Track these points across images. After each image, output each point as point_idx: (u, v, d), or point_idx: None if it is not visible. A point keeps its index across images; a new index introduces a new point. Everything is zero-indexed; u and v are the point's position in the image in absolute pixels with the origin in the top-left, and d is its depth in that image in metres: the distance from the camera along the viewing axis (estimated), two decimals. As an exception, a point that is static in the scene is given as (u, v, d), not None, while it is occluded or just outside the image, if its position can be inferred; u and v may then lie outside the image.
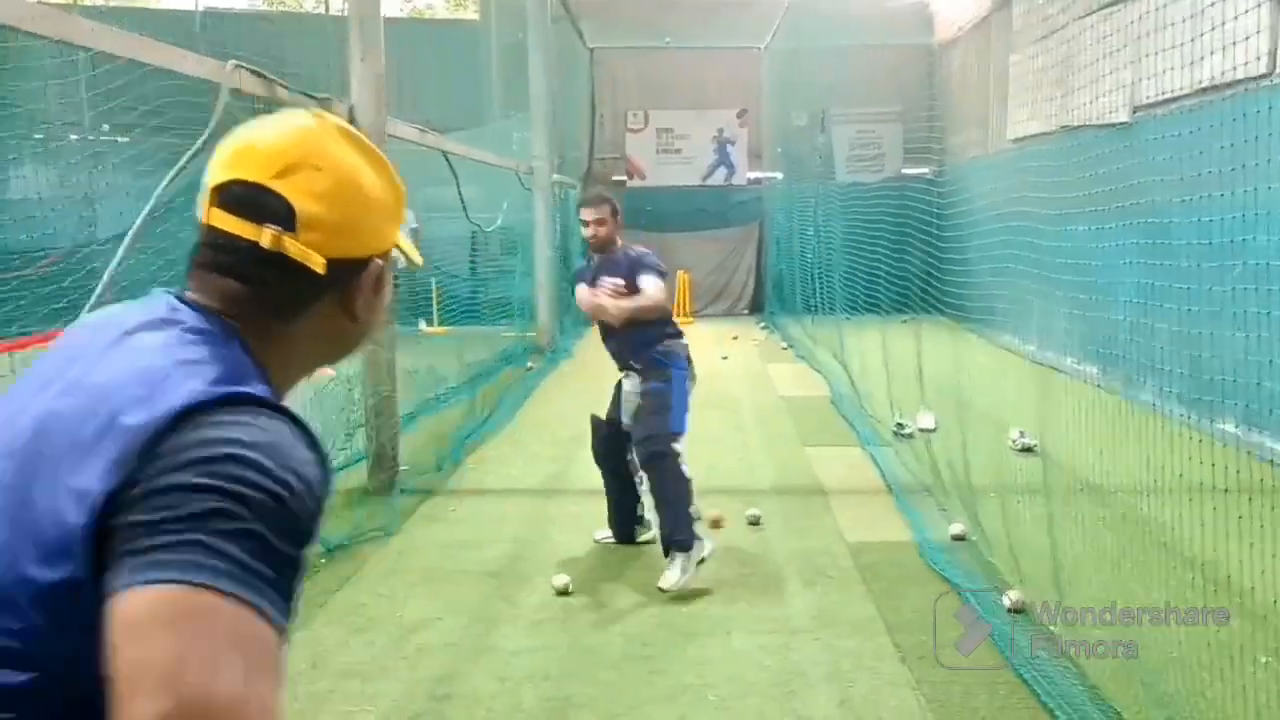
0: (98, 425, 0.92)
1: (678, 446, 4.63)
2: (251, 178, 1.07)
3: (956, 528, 4.90)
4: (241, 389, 0.97)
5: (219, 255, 1.09)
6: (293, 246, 1.07)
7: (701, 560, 4.53)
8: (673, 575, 4.47)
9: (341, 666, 3.75)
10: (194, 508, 0.86)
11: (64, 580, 0.88)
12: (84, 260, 5.40)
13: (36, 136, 8.46)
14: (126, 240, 3.47)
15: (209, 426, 0.91)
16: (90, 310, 3.26)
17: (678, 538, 4.50)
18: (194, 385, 0.95)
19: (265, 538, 0.88)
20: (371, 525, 5.34)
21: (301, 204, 1.07)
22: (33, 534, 0.90)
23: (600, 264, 4.90)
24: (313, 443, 1.00)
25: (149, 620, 0.82)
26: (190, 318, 1.06)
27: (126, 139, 7.47)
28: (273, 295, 1.09)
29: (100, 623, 0.84)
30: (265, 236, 1.06)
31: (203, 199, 1.10)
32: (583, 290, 4.88)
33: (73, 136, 8.22)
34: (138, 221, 3.53)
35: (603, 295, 4.72)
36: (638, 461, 4.71)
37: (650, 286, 4.70)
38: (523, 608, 4.37)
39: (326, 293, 1.12)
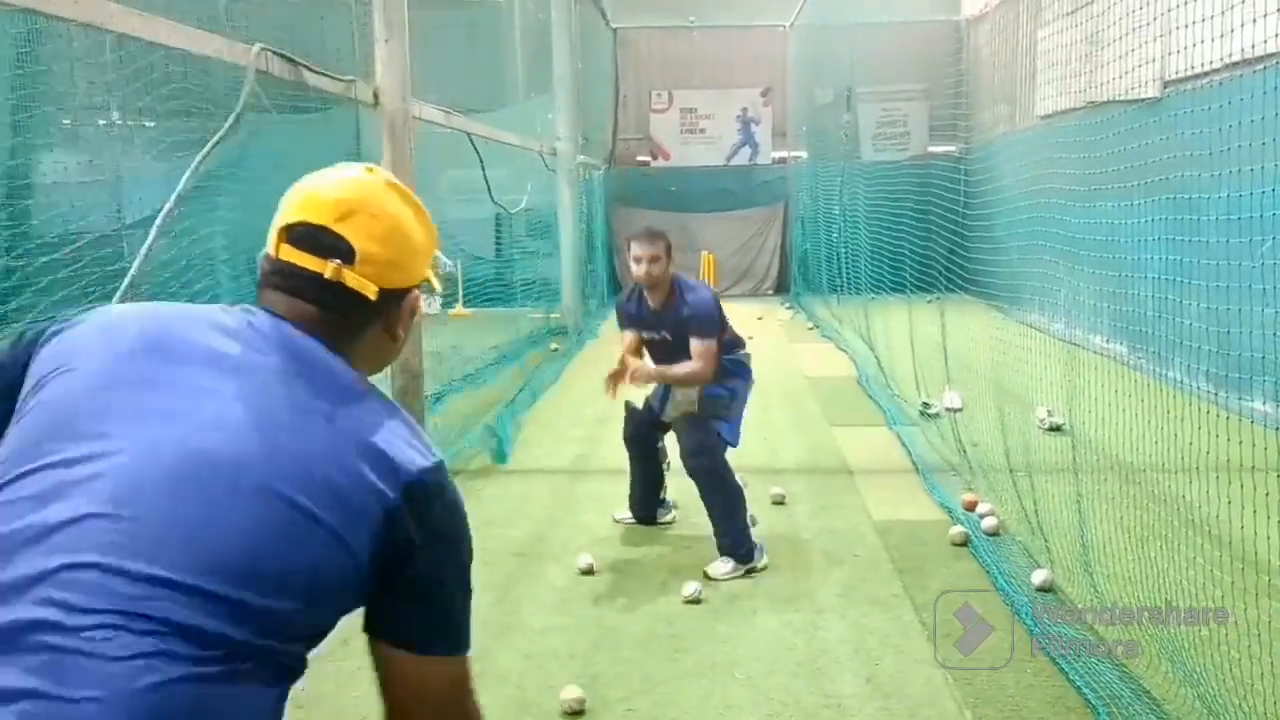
0: (353, 477, 1.19)
1: (728, 458, 4.58)
2: (317, 220, 1.30)
3: (989, 522, 4.85)
4: (436, 458, 1.28)
5: (288, 281, 1.30)
6: (351, 277, 1.29)
7: (752, 570, 4.49)
8: (723, 567, 4.46)
9: (371, 644, 3.78)
10: (449, 582, 1.28)
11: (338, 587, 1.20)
12: (114, 244, 5.44)
13: (65, 122, 8.53)
14: (156, 224, 3.49)
15: (440, 508, 1.26)
16: (122, 296, 3.30)
17: (739, 552, 4.47)
18: (415, 456, 1.25)
19: (470, 592, 1.32)
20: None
21: (360, 244, 1.30)
22: (301, 552, 1.16)
23: (649, 307, 4.65)
24: None
25: (436, 684, 1.28)
26: (319, 350, 1.28)
27: (152, 123, 7.52)
28: (341, 319, 1.31)
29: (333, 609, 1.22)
30: (328, 268, 1.28)
31: (271, 236, 1.31)
32: (629, 341, 4.73)
33: (100, 121, 8.28)
34: (166, 206, 3.55)
35: (638, 366, 4.54)
36: (686, 471, 4.62)
37: (696, 357, 4.48)
38: (549, 586, 4.40)
39: (376, 317, 1.35)
